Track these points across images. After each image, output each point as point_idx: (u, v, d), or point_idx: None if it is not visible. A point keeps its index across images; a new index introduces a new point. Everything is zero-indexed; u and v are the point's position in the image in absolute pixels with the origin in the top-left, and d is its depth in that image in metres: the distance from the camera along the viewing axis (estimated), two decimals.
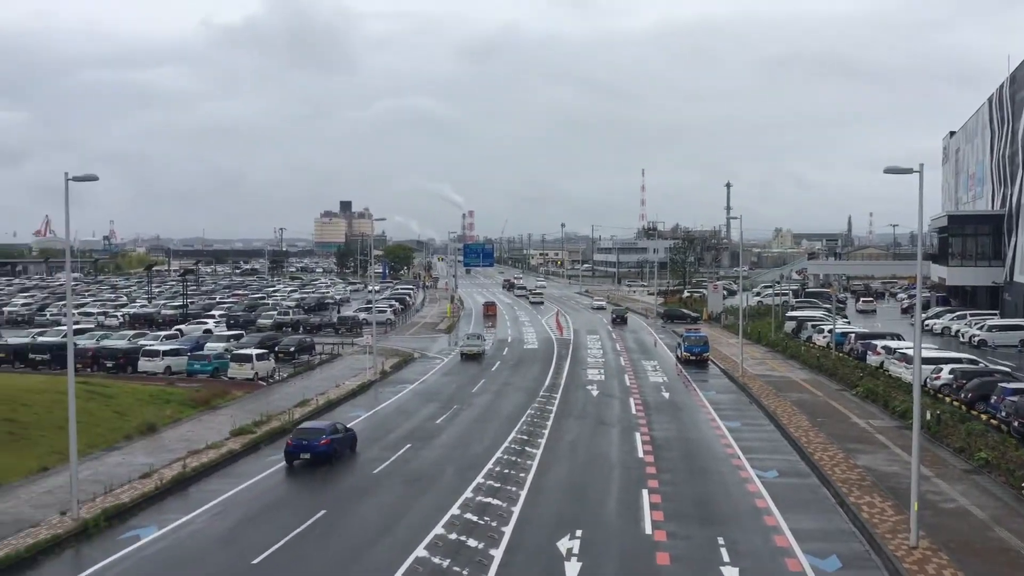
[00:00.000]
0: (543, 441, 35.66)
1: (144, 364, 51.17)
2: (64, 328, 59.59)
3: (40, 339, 60.05)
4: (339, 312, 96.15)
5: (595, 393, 48.73)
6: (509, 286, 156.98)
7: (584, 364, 61.04)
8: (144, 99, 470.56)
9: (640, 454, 33.39)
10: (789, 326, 74.95)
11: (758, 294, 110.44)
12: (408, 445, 34.84)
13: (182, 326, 72.52)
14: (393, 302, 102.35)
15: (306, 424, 33.86)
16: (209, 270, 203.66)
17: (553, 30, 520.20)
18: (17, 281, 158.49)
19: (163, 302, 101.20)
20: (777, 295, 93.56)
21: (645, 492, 27.62)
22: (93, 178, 25.79)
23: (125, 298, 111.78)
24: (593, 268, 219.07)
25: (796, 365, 57.95)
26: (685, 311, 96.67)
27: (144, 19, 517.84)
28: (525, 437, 36.43)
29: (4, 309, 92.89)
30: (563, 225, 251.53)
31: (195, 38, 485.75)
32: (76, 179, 25.07)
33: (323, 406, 42.72)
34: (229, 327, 75.71)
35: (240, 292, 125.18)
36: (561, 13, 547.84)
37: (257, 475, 30.07)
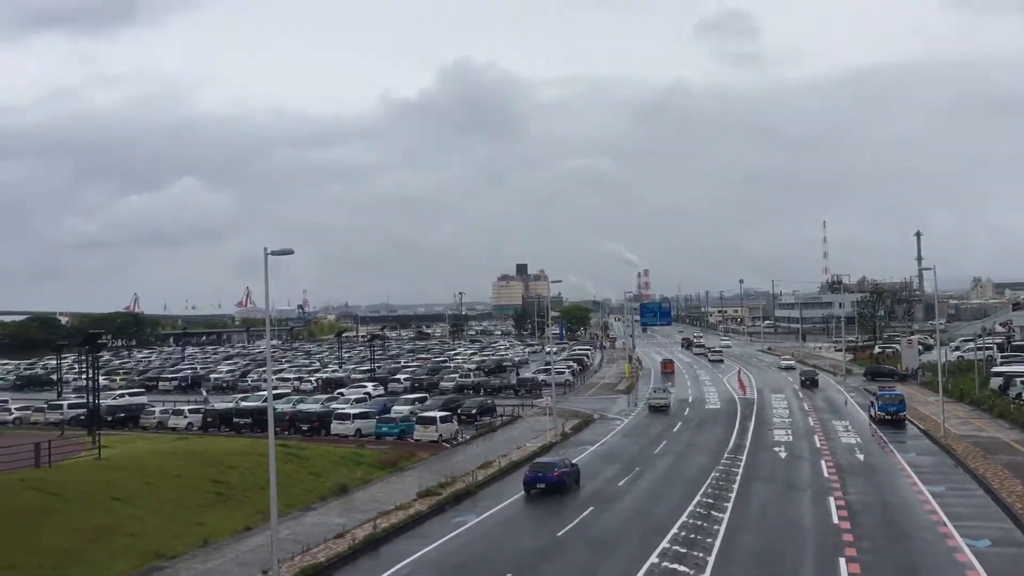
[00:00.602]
0: (730, 505, 34.48)
1: (336, 427, 53.48)
2: (264, 393, 63.26)
3: (243, 404, 63.92)
4: (518, 374, 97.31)
5: (783, 455, 46.81)
6: (687, 344, 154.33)
7: (770, 424, 58.87)
8: (331, 174, 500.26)
9: (835, 519, 31.65)
10: (995, 383, 69.55)
11: (957, 348, 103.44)
12: (591, 507, 34.52)
13: (343, 390, 76.06)
14: (571, 363, 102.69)
15: (540, 459, 41.37)
16: (394, 335, 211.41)
17: (721, 84, 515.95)
18: (222, 349, 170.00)
19: (352, 367, 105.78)
20: (979, 349, 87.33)
21: (843, 561, 26.09)
22: (289, 252, 27.43)
23: (318, 363, 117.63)
24: (775, 324, 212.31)
25: (1005, 425, 53.64)
26: (891, 368, 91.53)
27: (328, 101, 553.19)
28: (711, 500, 35.35)
29: (211, 376, 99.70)
30: (741, 281, 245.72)
31: (375, 114, 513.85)
32: (274, 253, 26.75)
33: (505, 468, 43.09)
34: (413, 390, 78.20)
35: (423, 356, 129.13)
36: (728, 67, 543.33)
37: (443, 536, 30.55)
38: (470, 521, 32.60)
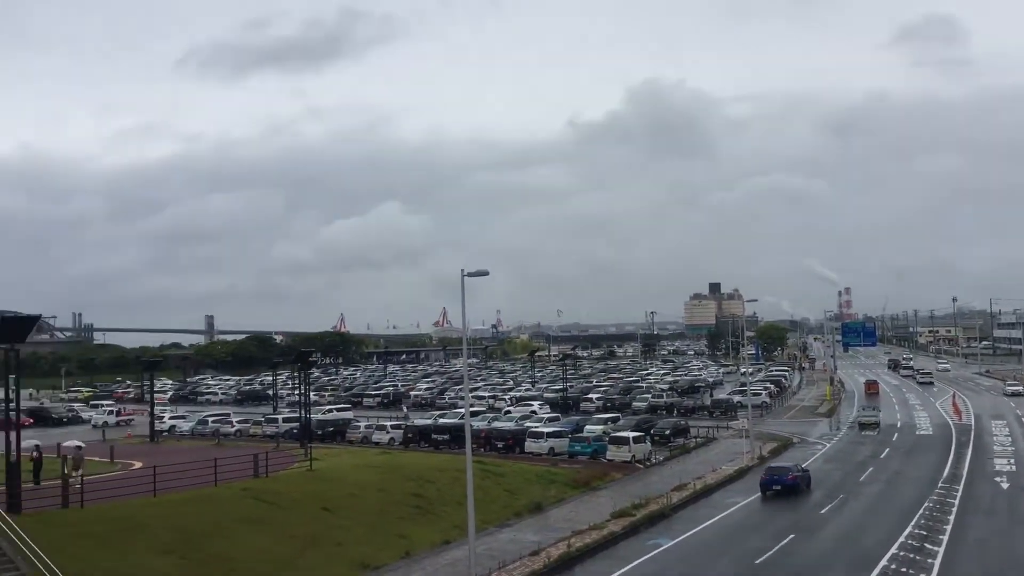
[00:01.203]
0: (945, 538, 32.23)
1: (530, 445, 54.21)
2: (461, 410, 65.12)
3: (441, 421, 65.99)
4: (712, 395, 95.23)
5: (1005, 486, 43.32)
6: (894, 366, 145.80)
7: (990, 453, 54.63)
8: (523, 197, 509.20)
9: None
10: None
11: None
12: (791, 536, 33.21)
13: (511, 408, 77.38)
14: (768, 384, 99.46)
15: (774, 463, 46.37)
16: (585, 354, 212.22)
17: (925, 93, 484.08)
18: (421, 367, 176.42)
19: (545, 386, 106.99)
20: None
21: None
22: (484, 273, 28.20)
23: (511, 382, 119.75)
24: (993, 346, 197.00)
25: None
26: None
27: (520, 126, 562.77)
28: (923, 532, 33.18)
29: (411, 393, 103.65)
30: (954, 299, 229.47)
31: (564, 138, 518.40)
32: (470, 275, 27.59)
33: (700, 491, 42.23)
34: (605, 410, 78.16)
35: (615, 375, 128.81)
36: (932, 75, 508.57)
37: (638, 558, 30.28)
38: (665, 544, 32.16)
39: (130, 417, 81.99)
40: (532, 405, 78.94)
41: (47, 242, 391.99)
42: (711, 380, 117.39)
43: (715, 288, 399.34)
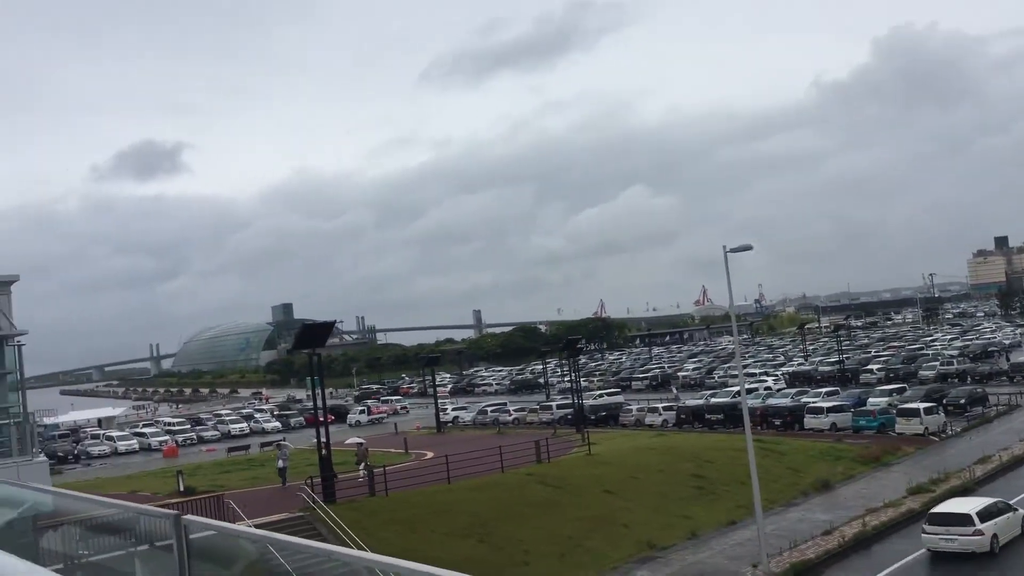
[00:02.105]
0: None
1: (810, 421, 52.21)
2: (733, 388, 63.91)
3: (713, 400, 65.12)
4: (1008, 358, 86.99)
5: None
6: None
7: None
8: (771, 166, 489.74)
9: None
10: None
11: None
12: None
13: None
14: None
15: None
16: (859, 323, 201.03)
17: None
18: (685, 348, 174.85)
19: (819, 359, 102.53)
20: None
21: None
22: (748, 248, 27.56)
23: (782, 357, 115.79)
24: None
25: None
26: None
27: (760, 95, 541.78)
28: None
29: (678, 374, 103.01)
30: None
31: (808, 101, 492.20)
32: (733, 250, 27.06)
33: (1007, 463, 38.81)
34: (888, 380, 73.70)
35: (895, 344, 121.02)
36: None
37: None
38: None
39: (382, 415, 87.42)
40: (766, 381, 75.98)
41: (328, 254, 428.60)
42: (1007, 343, 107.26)
43: (1001, 242, 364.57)
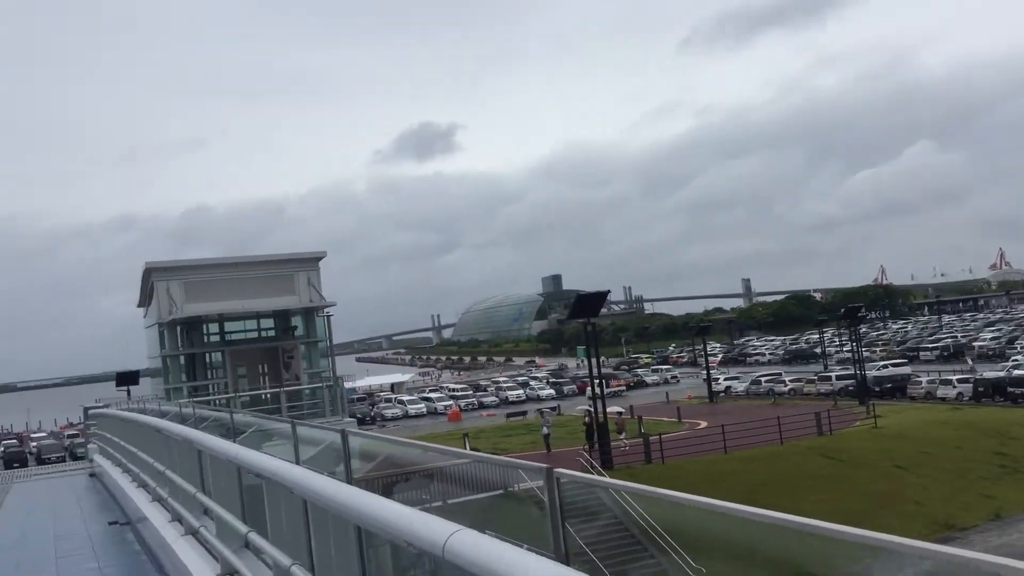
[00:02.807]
0: None
1: None
2: None
3: (1016, 372, 59.54)
4: None
5: None
6: None
7: None
8: None
9: None
10: None
11: None
12: None
13: None
14: None
15: None
16: None
17: None
18: (981, 316, 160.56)
19: None
20: None
21: None
22: None
23: None
24: None
25: None
26: None
27: None
28: None
29: (974, 344, 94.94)
30: None
31: None
32: None
33: None
34: None
35: None
36: None
37: None
38: None
39: (620, 388, 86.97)
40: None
41: (594, 224, 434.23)
42: None
43: None
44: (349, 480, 4.63)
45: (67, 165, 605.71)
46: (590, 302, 38.25)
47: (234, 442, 7.26)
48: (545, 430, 42.55)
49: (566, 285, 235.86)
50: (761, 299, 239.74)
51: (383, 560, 4.57)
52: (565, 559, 2.74)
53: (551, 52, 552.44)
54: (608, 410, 53.21)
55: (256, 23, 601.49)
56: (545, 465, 2.88)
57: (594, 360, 38.25)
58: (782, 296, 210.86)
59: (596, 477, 3.10)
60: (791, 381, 70.27)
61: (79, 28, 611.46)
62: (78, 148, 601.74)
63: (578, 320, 40.62)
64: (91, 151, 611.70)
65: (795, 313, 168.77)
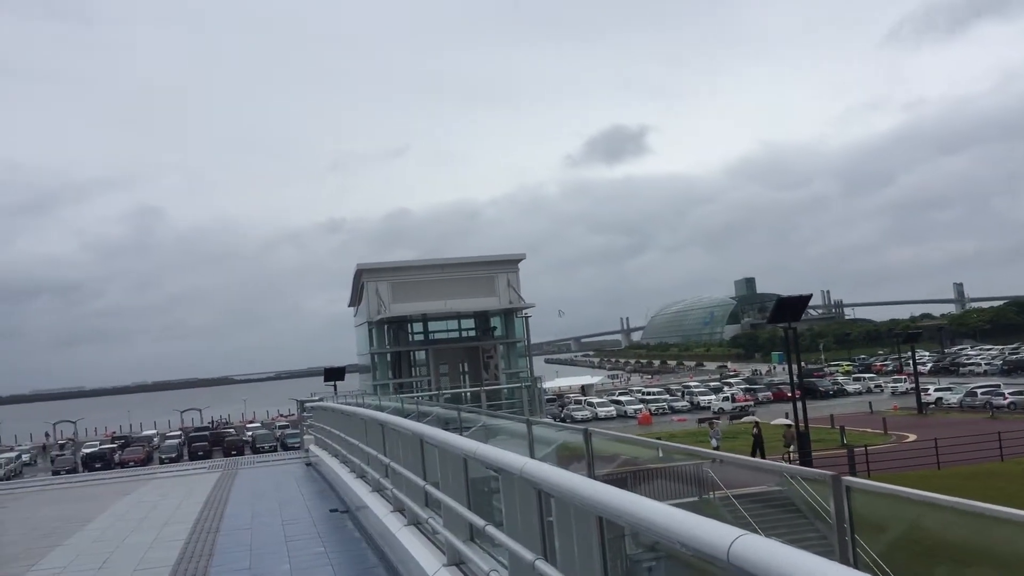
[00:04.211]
0: None
1: None
2: None
3: None
4: None
5: None
6: None
7: None
8: None
9: None
10: None
11: None
12: None
13: None
14: None
15: None
16: None
17: None
18: None
19: None
20: None
21: None
22: None
23: None
24: None
25: None
26: None
27: None
28: None
29: None
30: None
31: None
32: None
33: None
34: None
35: None
36: None
37: None
38: None
39: (747, 403, 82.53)
40: None
41: (790, 225, 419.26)
42: None
43: None
44: (592, 478, 4.66)
45: (280, 173, 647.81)
46: (791, 306, 36.88)
47: (461, 437, 7.50)
48: (714, 442, 41.45)
49: (760, 288, 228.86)
50: (976, 305, 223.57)
51: (616, 553, 4.58)
52: None
53: (745, 50, 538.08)
54: (773, 422, 51.35)
55: (450, 31, 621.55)
56: (831, 473, 2.77)
57: (798, 365, 36.84)
58: (1000, 302, 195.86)
59: (895, 487, 2.91)
60: (1011, 394, 65.13)
61: (292, 48, 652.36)
62: (290, 158, 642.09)
63: (776, 324, 39.25)
64: (302, 161, 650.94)
65: (1015, 320, 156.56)
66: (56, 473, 61.57)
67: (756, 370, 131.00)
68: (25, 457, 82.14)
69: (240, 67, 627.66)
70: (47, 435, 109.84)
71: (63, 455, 79.23)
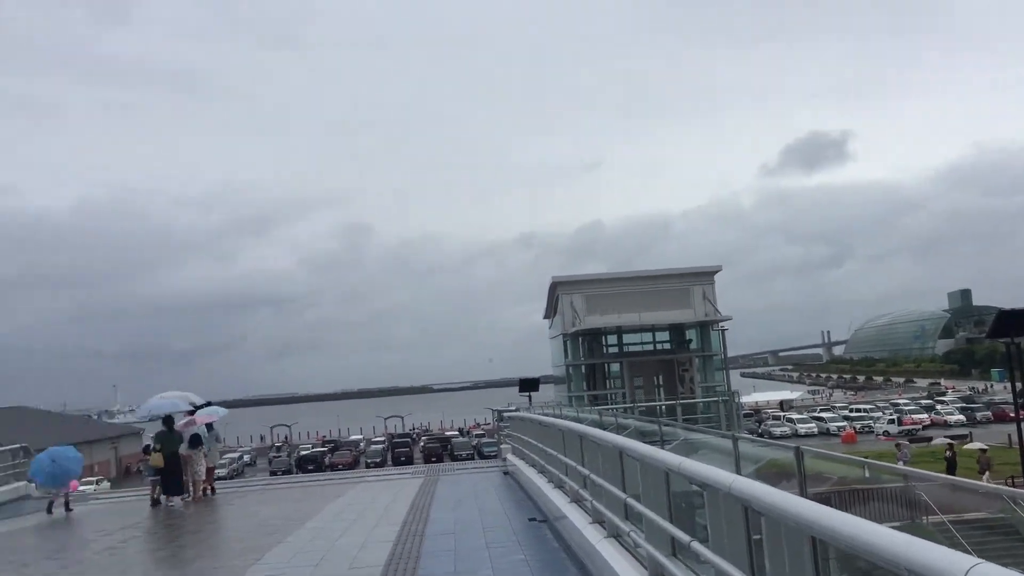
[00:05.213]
0: None
1: None
2: None
3: None
4: None
5: None
6: None
7: None
8: None
9: None
10: None
11: None
12: None
13: None
14: None
15: None
16: None
17: None
18: None
19: None
20: None
21: None
22: None
23: None
24: None
25: None
26: None
27: None
28: None
29: None
30: None
31: None
32: None
33: None
34: None
35: None
36: None
37: None
38: None
39: (915, 426, 75.47)
40: None
41: (1010, 233, 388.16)
42: None
43: None
44: (803, 496, 4.54)
45: (479, 189, 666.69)
46: (1014, 319, 34.03)
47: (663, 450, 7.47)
48: (901, 464, 38.84)
49: (976, 301, 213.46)
50: None
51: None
52: None
53: (955, 50, 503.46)
54: (966, 445, 47.36)
55: (643, 43, 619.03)
56: None
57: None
58: None
59: None
60: None
61: (489, 65, 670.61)
62: (488, 173, 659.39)
63: (997, 339, 36.36)
64: (499, 176, 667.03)
65: None
66: (273, 473, 65.92)
67: (973, 388, 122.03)
68: (246, 458, 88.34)
69: (438, 86, 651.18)
70: (261, 438, 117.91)
71: (279, 456, 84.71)
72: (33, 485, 22.02)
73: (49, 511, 19.91)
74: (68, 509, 20.10)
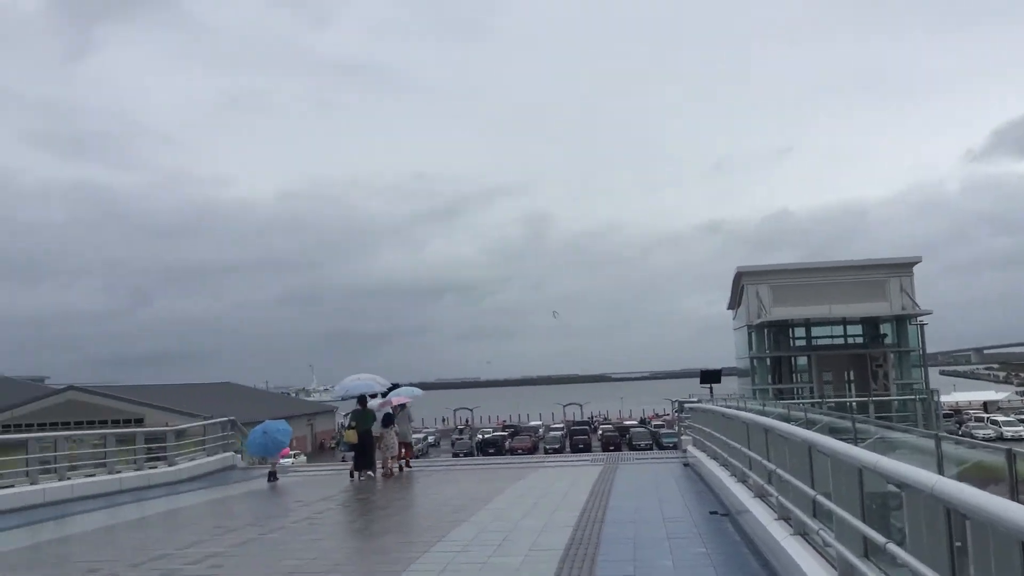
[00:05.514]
0: None
1: None
2: None
3: None
4: None
5: None
6: None
7: None
8: None
9: None
10: None
11: None
12: None
13: None
14: None
15: None
16: None
17: None
18: None
19: None
20: None
21: None
22: None
23: None
24: None
25: None
26: None
27: None
28: None
29: None
30: None
31: None
32: None
33: None
34: None
35: None
36: None
37: None
38: None
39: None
40: None
41: None
42: None
43: None
44: (1015, 501, 4.26)
45: (661, 178, 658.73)
46: None
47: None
48: None
49: None
50: None
51: None
52: None
53: None
54: None
55: (838, 23, 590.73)
56: None
57: None
58: None
59: None
60: None
61: (671, 52, 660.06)
62: (671, 162, 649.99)
63: None
64: (684, 164, 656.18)
65: None
66: (455, 455, 67.93)
67: None
68: (431, 439, 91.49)
69: (625, 75, 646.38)
70: (444, 420, 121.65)
71: (461, 439, 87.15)
72: (240, 456, 23.77)
73: (270, 479, 21.51)
74: (274, 479, 21.57)
